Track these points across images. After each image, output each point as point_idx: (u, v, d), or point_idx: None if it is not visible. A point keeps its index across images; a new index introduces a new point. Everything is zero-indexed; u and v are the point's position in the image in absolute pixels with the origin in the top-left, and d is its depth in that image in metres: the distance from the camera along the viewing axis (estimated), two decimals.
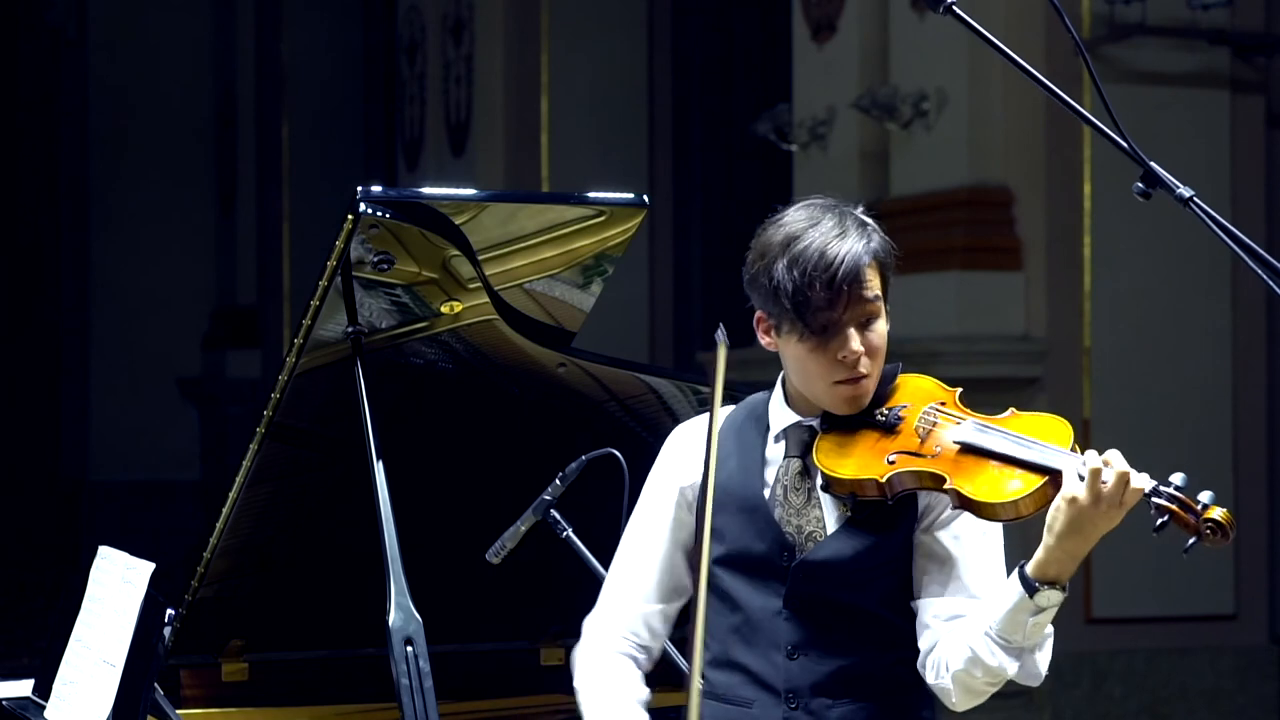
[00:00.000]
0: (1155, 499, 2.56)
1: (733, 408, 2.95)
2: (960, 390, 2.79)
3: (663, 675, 3.56)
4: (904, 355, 7.09)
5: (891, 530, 2.76)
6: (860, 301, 2.73)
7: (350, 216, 3.07)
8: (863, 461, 2.72)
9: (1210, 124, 7.39)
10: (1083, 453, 2.63)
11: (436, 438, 3.50)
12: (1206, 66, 7.39)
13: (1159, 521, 2.56)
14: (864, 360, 2.74)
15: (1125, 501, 2.57)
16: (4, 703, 3.63)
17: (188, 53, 14.34)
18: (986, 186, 7.29)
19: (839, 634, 2.77)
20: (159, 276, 14.25)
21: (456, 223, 3.15)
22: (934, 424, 2.72)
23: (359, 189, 3.08)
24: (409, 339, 3.34)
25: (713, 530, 2.84)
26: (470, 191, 3.35)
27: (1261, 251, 2.56)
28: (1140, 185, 2.63)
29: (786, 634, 2.78)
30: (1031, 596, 2.61)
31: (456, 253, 3.18)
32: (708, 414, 2.99)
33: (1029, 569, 2.61)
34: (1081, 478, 2.56)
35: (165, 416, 14.16)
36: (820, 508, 2.78)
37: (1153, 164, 2.63)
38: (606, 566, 3.30)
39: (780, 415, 2.85)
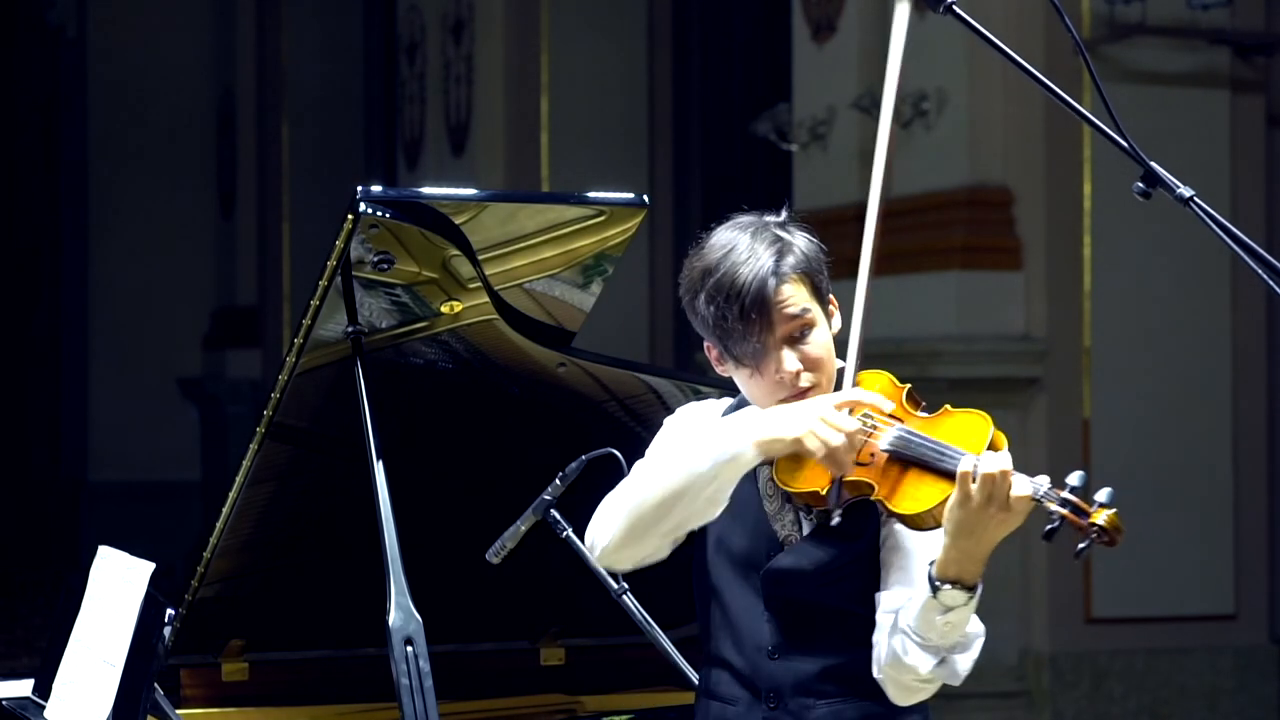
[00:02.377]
0: (1046, 501, 2.52)
1: (731, 400, 2.95)
2: (909, 387, 2.76)
3: (664, 676, 3.57)
4: (904, 355, 7.15)
5: (858, 530, 2.75)
6: (782, 321, 2.72)
7: (350, 216, 3.07)
8: (809, 474, 2.71)
9: (1210, 124, 7.39)
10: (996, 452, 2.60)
11: (436, 437, 3.50)
12: (1206, 66, 7.39)
13: (1048, 527, 2.51)
14: (804, 375, 2.73)
15: (1013, 506, 2.53)
16: (4, 703, 3.63)
17: (188, 53, 14.35)
18: (986, 186, 7.29)
19: (820, 634, 2.77)
20: (159, 276, 14.25)
21: (456, 223, 3.15)
22: (871, 430, 2.69)
23: (359, 189, 3.08)
24: (409, 339, 3.34)
25: (706, 527, 2.85)
26: (470, 191, 3.35)
27: (1261, 251, 2.56)
28: (1140, 185, 2.63)
29: (769, 635, 2.78)
30: (934, 595, 2.60)
31: (456, 252, 3.18)
32: (709, 401, 2.98)
33: (933, 568, 2.61)
34: (971, 481, 2.53)
35: (165, 416, 14.16)
36: (795, 514, 2.79)
37: (1153, 164, 2.63)
38: None
39: None
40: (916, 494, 2.61)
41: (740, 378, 2.79)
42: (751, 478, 2.81)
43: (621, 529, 2.75)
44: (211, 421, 14.01)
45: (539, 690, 3.83)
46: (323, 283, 3.15)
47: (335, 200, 3.97)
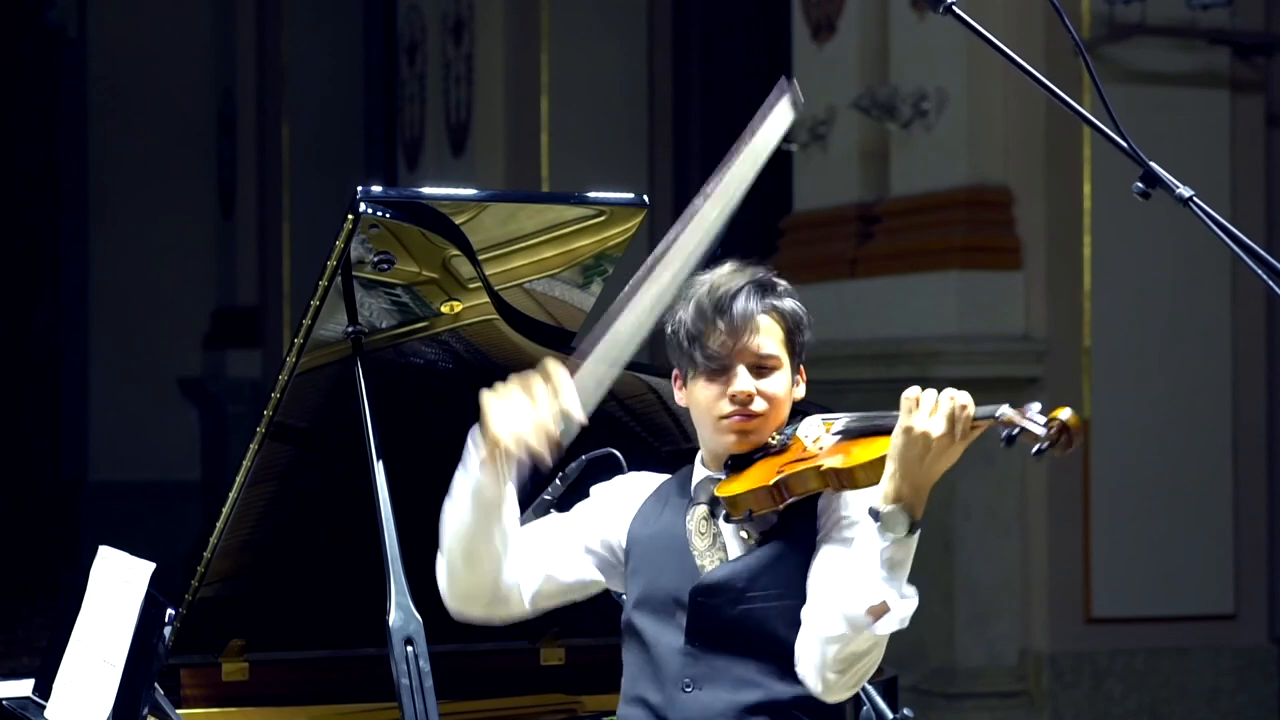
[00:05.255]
0: (1000, 419, 2.54)
1: (668, 476, 2.97)
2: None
3: None
4: (904, 355, 7.14)
5: (791, 551, 2.77)
6: (750, 347, 2.79)
7: (350, 216, 3.07)
8: (755, 476, 2.77)
9: (1210, 124, 7.39)
10: None
11: (437, 438, 3.50)
12: (1206, 66, 7.39)
13: (1005, 433, 2.53)
14: (758, 401, 2.79)
15: (958, 421, 2.56)
16: (4, 703, 3.63)
17: (188, 53, 14.35)
18: (986, 186, 7.29)
19: (740, 666, 2.77)
20: (159, 276, 14.26)
21: (456, 223, 3.15)
22: (820, 433, 2.79)
23: (359, 189, 3.08)
24: (409, 339, 3.35)
25: (634, 574, 2.88)
26: (470, 191, 3.35)
27: (1261, 251, 2.56)
28: (1140, 185, 2.64)
29: (686, 669, 2.79)
30: (878, 520, 2.60)
31: (456, 253, 3.18)
32: (645, 475, 3.02)
33: (878, 501, 2.62)
34: (918, 402, 2.59)
35: (165, 416, 14.17)
36: (724, 548, 2.82)
37: (1153, 164, 2.63)
38: None
39: (697, 473, 2.89)
40: (863, 451, 2.68)
41: (696, 390, 2.82)
42: (682, 517, 2.83)
43: (445, 568, 2.89)
44: (211, 421, 14.01)
45: (539, 690, 3.83)
46: (323, 283, 3.16)
47: (335, 200, 3.97)
